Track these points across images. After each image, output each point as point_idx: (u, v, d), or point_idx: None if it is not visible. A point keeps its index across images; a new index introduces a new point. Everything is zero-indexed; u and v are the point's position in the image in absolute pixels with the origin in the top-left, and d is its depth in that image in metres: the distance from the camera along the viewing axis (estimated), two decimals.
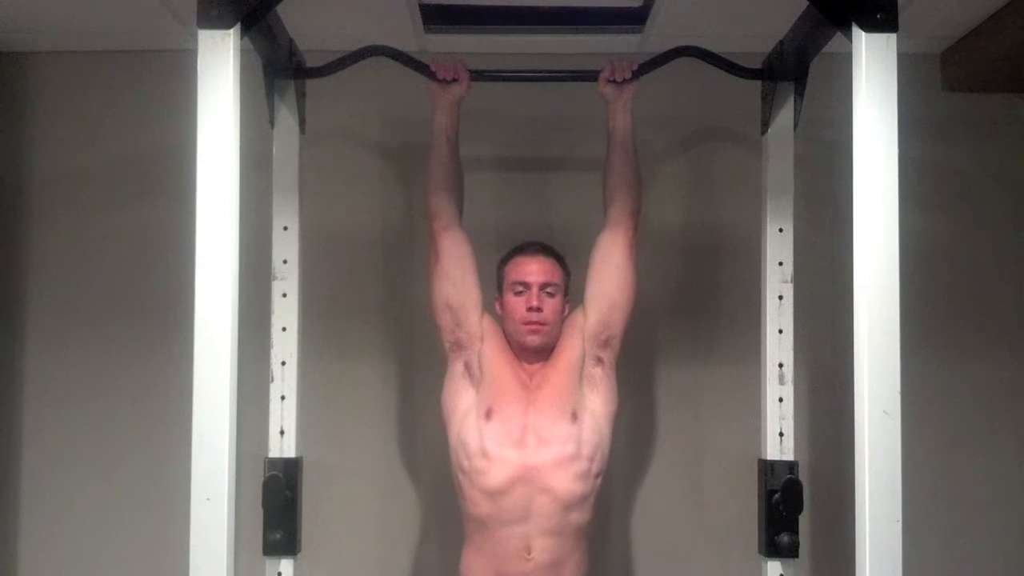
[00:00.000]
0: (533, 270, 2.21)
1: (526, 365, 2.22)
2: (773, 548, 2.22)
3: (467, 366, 2.21)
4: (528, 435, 2.12)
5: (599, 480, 2.17)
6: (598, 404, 2.19)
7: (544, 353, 2.22)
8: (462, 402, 2.20)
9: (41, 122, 2.79)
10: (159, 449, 2.59)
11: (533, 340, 2.19)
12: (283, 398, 2.23)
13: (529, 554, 2.09)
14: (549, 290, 2.20)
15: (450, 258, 2.20)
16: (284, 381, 2.23)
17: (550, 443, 2.12)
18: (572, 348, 2.21)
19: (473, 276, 2.22)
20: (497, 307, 2.26)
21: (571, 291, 2.26)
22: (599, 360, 2.21)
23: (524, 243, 2.29)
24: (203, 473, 1.57)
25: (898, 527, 1.57)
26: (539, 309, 2.18)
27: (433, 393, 2.26)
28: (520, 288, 2.20)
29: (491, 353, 2.20)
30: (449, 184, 2.23)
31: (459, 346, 2.22)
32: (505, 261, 2.28)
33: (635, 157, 2.24)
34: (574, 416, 2.14)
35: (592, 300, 2.22)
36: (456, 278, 2.20)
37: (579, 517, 2.14)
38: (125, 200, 2.75)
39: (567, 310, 2.26)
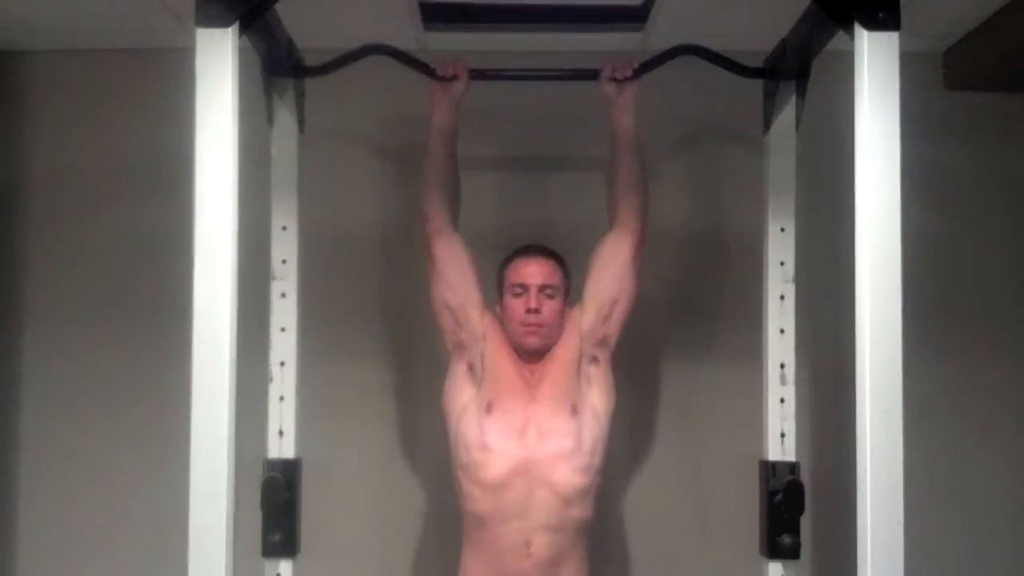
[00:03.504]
0: (532, 272, 2.20)
1: (526, 362, 2.21)
2: (774, 549, 2.21)
3: (470, 366, 2.20)
4: (528, 428, 2.12)
5: (598, 476, 2.17)
6: (597, 399, 2.19)
7: (544, 352, 2.21)
8: (462, 397, 2.19)
9: (40, 121, 2.78)
10: (158, 450, 2.58)
11: (532, 341, 2.18)
12: (282, 399, 2.23)
13: (529, 550, 2.08)
14: (548, 292, 2.19)
15: (446, 262, 2.19)
16: (283, 382, 2.23)
17: (550, 436, 2.11)
18: (570, 345, 2.20)
19: (471, 277, 2.21)
20: (498, 309, 2.25)
21: (572, 293, 2.25)
22: (595, 359, 2.21)
23: (524, 246, 2.27)
24: (202, 474, 1.56)
25: (900, 528, 1.56)
26: (537, 311, 2.17)
27: (433, 394, 2.25)
28: (519, 290, 2.19)
29: (493, 350, 2.19)
30: (446, 187, 2.22)
31: (461, 346, 2.21)
32: (505, 263, 2.26)
33: (640, 158, 2.23)
34: (574, 410, 2.14)
35: (591, 298, 2.21)
36: (454, 281, 2.19)
37: (579, 513, 2.13)
38: (124, 199, 2.75)
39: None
